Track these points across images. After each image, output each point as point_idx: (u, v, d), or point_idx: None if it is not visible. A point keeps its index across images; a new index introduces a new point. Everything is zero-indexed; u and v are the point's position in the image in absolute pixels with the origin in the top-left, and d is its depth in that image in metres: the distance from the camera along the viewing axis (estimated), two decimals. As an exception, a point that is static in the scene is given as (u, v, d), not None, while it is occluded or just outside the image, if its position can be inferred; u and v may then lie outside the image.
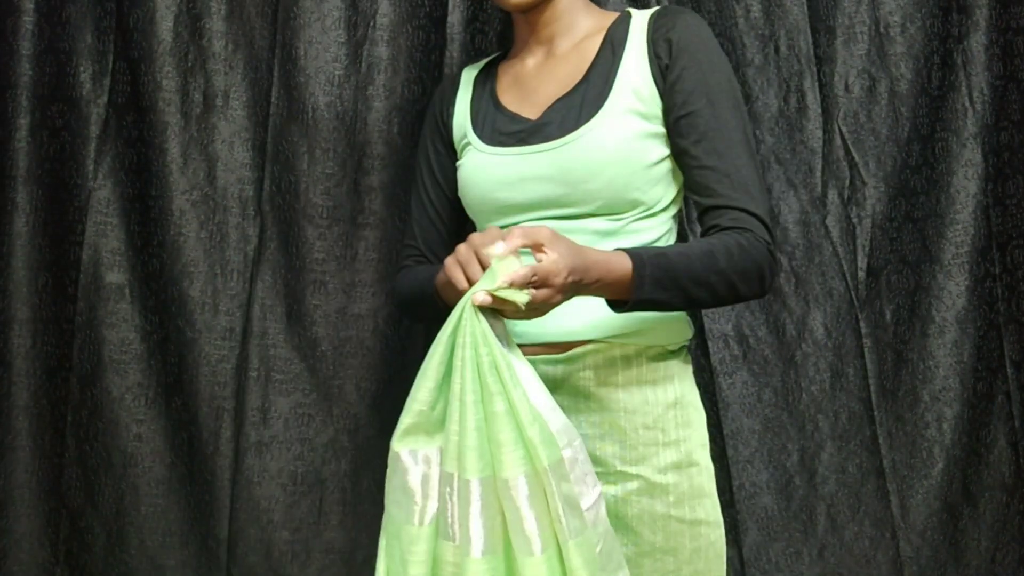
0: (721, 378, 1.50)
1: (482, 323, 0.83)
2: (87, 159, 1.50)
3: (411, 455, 0.86)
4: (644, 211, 1.09)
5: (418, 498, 0.86)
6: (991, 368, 1.52)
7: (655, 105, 1.08)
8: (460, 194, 1.19)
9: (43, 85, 1.50)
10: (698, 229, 1.15)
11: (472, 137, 1.17)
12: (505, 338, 0.89)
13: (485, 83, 1.22)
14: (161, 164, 1.49)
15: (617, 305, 0.98)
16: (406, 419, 0.87)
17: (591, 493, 0.86)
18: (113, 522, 1.48)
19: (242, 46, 1.52)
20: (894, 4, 1.54)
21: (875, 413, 1.51)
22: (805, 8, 1.54)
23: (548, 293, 0.88)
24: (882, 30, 1.55)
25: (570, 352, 1.07)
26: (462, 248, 0.91)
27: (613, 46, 1.12)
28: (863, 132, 1.54)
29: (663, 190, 1.10)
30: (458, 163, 1.20)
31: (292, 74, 1.50)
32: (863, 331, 1.52)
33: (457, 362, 0.83)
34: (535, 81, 1.16)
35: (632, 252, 0.97)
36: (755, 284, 1.04)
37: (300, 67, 1.50)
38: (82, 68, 1.50)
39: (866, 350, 1.52)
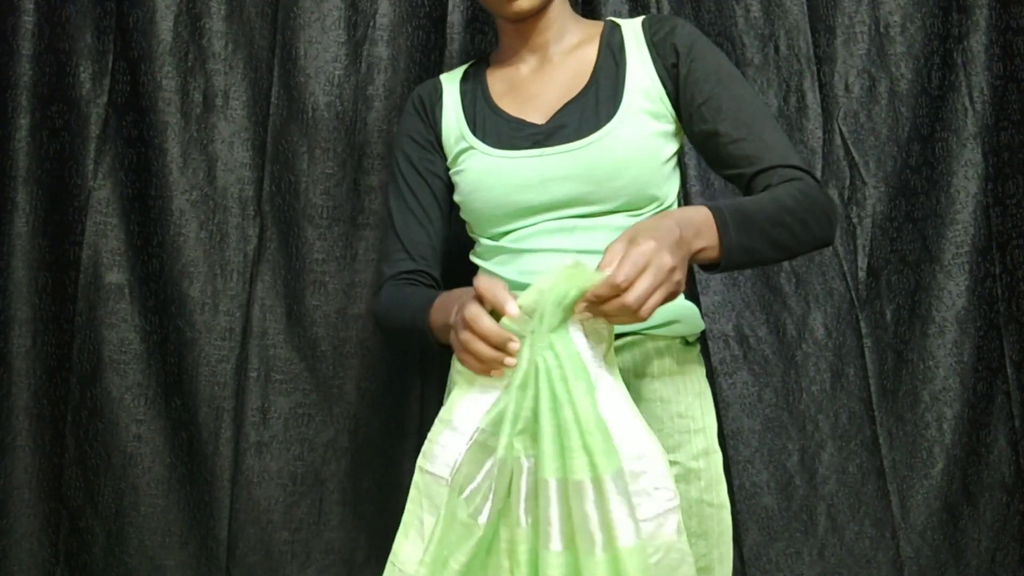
0: (721, 378, 1.50)
1: (553, 333, 0.87)
2: (87, 159, 1.50)
3: (527, 469, 0.88)
4: (658, 206, 1.13)
5: (523, 509, 0.88)
6: (991, 368, 1.52)
7: (663, 104, 1.13)
8: (464, 200, 1.17)
9: (43, 85, 1.50)
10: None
11: (474, 141, 1.15)
12: (601, 351, 0.91)
13: (474, 89, 1.21)
14: (161, 164, 1.49)
15: (710, 266, 0.98)
16: (519, 425, 0.88)
17: (655, 507, 0.89)
18: (113, 522, 1.48)
19: (242, 46, 1.52)
20: (894, 4, 1.54)
21: (875, 413, 1.51)
22: (805, 8, 1.54)
23: (648, 249, 0.84)
24: (882, 30, 1.55)
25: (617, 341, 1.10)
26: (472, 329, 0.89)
27: (612, 52, 1.16)
28: (863, 132, 1.54)
29: (671, 186, 1.15)
30: (457, 169, 1.18)
31: (292, 74, 1.50)
32: (863, 331, 1.52)
33: (541, 374, 0.87)
34: (534, 87, 1.18)
35: (703, 204, 1.00)
36: (824, 223, 1.06)
37: (300, 67, 1.50)
38: (82, 68, 1.50)
39: (866, 350, 1.52)
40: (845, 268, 1.53)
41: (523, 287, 1.07)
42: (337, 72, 1.51)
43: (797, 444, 1.51)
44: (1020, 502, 1.50)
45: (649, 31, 1.16)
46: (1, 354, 1.48)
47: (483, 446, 0.91)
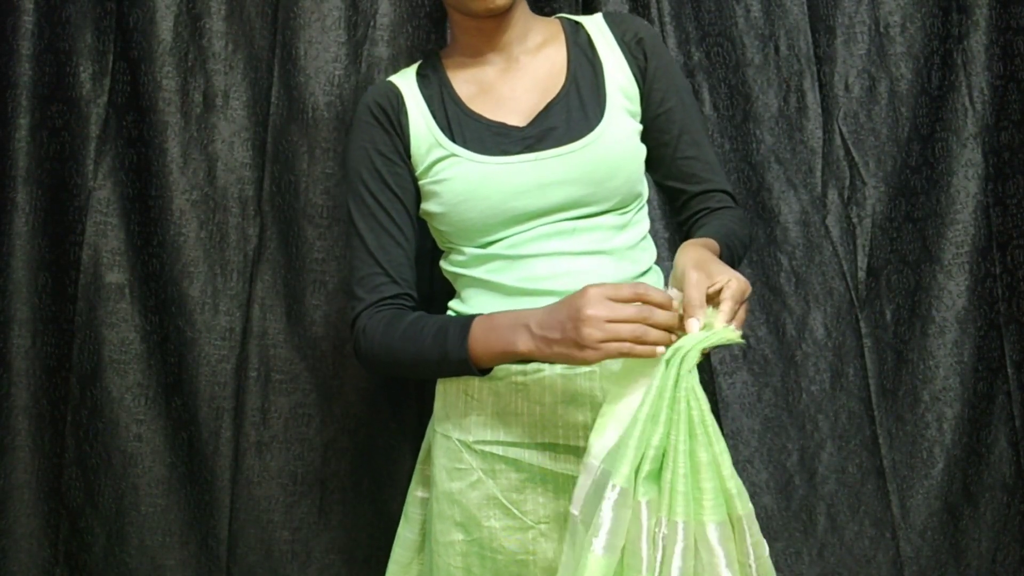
0: (721, 378, 1.50)
1: (693, 378, 0.88)
2: (87, 159, 1.50)
3: (647, 506, 0.88)
4: (640, 203, 1.16)
5: (646, 550, 0.88)
6: (991, 368, 1.52)
7: (637, 103, 1.16)
8: (450, 210, 1.11)
9: (43, 85, 1.50)
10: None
11: (455, 148, 1.11)
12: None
13: (438, 92, 1.16)
14: (161, 164, 1.49)
15: None
16: (646, 465, 0.88)
17: (765, 545, 0.92)
18: (113, 522, 1.48)
19: (242, 46, 1.52)
20: (894, 4, 1.54)
21: (875, 413, 1.51)
22: (805, 8, 1.54)
23: (747, 308, 0.94)
24: (882, 30, 1.55)
25: None
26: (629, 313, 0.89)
27: (583, 51, 1.16)
28: (863, 132, 1.54)
29: (644, 183, 1.18)
30: (435, 179, 1.12)
31: (292, 74, 1.50)
32: (863, 331, 1.52)
33: (675, 415, 0.88)
34: (505, 88, 1.15)
35: (705, 237, 1.08)
36: (748, 245, 1.23)
37: (300, 67, 1.50)
38: (82, 68, 1.50)
39: (866, 350, 1.52)
40: (845, 268, 1.53)
41: (526, 293, 1.08)
42: (337, 72, 1.51)
43: (797, 444, 1.51)
44: (1021, 502, 1.50)
45: (617, 30, 1.17)
46: (1, 354, 1.48)
47: (604, 477, 0.90)
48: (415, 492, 1.24)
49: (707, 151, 1.21)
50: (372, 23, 1.51)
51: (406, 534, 1.25)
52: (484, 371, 1.03)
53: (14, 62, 1.48)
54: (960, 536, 1.52)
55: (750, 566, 0.89)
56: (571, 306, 0.91)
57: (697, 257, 0.96)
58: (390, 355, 1.08)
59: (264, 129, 1.51)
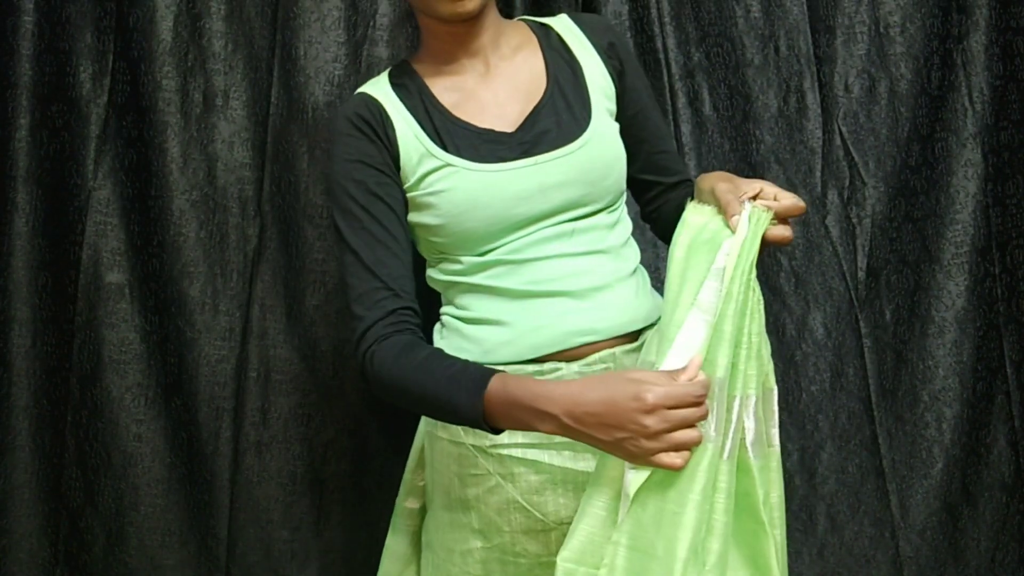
0: (721, 378, 1.50)
1: (753, 270, 0.97)
2: (87, 159, 1.50)
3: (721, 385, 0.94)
4: (622, 200, 1.19)
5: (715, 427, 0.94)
6: (991, 368, 1.52)
7: (615, 103, 1.18)
8: (449, 221, 1.09)
9: (43, 85, 1.49)
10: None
11: (449, 158, 1.08)
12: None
13: (420, 101, 1.13)
14: (161, 164, 1.49)
15: None
16: (741, 349, 0.95)
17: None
18: (113, 522, 1.49)
19: (242, 46, 1.52)
20: (894, 4, 1.54)
21: (875, 413, 1.51)
22: (805, 8, 1.54)
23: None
24: (882, 30, 1.55)
25: (641, 339, 1.12)
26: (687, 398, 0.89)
27: (559, 54, 1.17)
28: (863, 132, 1.54)
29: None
30: (429, 190, 1.09)
31: (292, 74, 1.50)
32: (863, 331, 1.52)
33: (754, 303, 0.97)
34: (487, 94, 1.14)
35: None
36: None
37: (300, 67, 1.50)
38: (82, 68, 1.50)
39: (866, 350, 1.52)
40: (844, 268, 1.53)
41: (533, 295, 1.08)
42: (337, 72, 1.51)
43: (797, 444, 1.51)
44: (1020, 502, 1.50)
45: (589, 32, 1.19)
46: (1, 354, 1.48)
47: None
48: (404, 503, 1.23)
49: (672, 143, 1.30)
50: (372, 23, 1.51)
51: (395, 546, 1.24)
52: (497, 430, 0.99)
53: (14, 62, 1.48)
54: (959, 536, 1.52)
55: (771, 436, 0.97)
56: (626, 408, 0.89)
57: (719, 176, 1.04)
58: (402, 383, 1.03)
59: (264, 129, 1.51)
